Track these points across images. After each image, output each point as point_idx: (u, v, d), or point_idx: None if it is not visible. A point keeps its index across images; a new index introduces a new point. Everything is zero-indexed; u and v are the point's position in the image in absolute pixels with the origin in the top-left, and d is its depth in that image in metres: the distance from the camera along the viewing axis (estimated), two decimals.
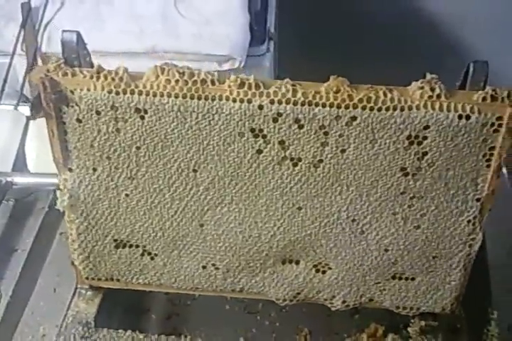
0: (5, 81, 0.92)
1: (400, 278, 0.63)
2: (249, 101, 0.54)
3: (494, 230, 0.67)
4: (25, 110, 0.93)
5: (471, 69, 0.52)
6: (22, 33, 0.93)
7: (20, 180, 0.84)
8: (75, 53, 0.56)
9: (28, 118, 0.91)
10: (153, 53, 0.86)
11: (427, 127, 0.53)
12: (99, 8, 0.90)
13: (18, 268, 0.78)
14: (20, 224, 0.85)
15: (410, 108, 0.52)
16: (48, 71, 0.55)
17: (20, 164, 0.89)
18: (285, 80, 0.54)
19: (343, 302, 0.65)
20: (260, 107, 0.54)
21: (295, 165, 0.57)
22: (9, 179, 0.83)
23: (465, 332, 0.67)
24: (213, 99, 0.54)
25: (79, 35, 0.56)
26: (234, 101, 0.54)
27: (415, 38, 1.28)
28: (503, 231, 0.74)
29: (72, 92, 0.55)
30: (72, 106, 0.56)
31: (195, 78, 0.54)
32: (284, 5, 1.01)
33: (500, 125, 0.52)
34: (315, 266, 0.64)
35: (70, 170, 0.60)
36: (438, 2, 1.27)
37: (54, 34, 0.92)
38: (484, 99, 0.52)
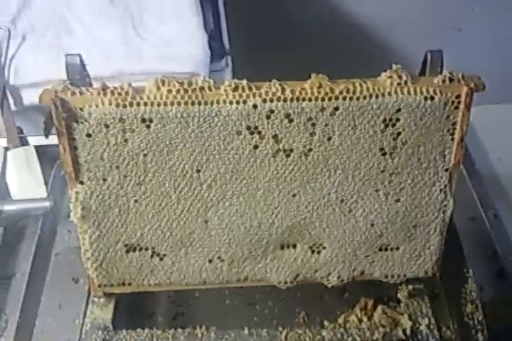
0: None
1: (386, 249, 0.71)
2: (244, 102, 0.61)
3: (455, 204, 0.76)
4: (1, 142, 0.97)
5: (429, 57, 0.62)
6: None
7: (7, 207, 0.88)
8: (79, 74, 0.62)
9: (6, 149, 0.95)
10: (120, 76, 0.92)
11: (398, 110, 0.62)
12: (61, 39, 0.96)
13: (20, 292, 0.82)
14: (13, 250, 0.88)
15: (383, 95, 0.61)
16: (56, 92, 0.61)
17: (3, 193, 0.92)
18: (273, 81, 0.61)
19: (338, 277, 0.73)
20: (254, 106, 0.61)
21: (288, 156, 0.64)
22: None
23: (443, 295, 0.76)
24: (212, 104, 0.61)
25: (81, 57, 0.62)
26: (230, 103, 0.61)
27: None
28: (464, 204, 0.84)
29: (81, 109, 0.61)
30: (82, 123, 0.61)
31: (194, 86, 0.61)
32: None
33: (459, 102, 0.62)
34: (310, 247, 0.71)
35: (81, 182, 0.65)
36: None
37: (20, 67, 0.96)
38: (444, 81, 0.61)
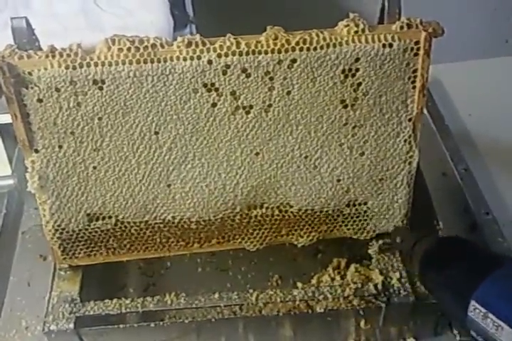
0: None
1: (354, 205, 0.70)
2: (199, 58, 0.59)
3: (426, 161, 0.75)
4: None
5: (386, 4, 0.61)
6: None
7: None
8: (26, 38, 0.60)
9: None
10: None
11: (357, 59, 0.60)
12: (18, 14, 0.92)
13: None
14: None
15: (341, 44, 0.60)
16: (3, 57, 0.58)
17: None
18: (228, 35, 0.60)
19: (307, 236, 0.72)
20: (209, 62, 0.59)
21: (248, 112, 0.63)
22: None
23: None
24: (165, 61, 0.59)
25: (27, 20, 0.60)
26: (184, 59, 0.59)
27: None
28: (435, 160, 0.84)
29: (30, 74, 0.59)
30: (32, 88, 0.59)
31: (146, 44, 0.59)
32: None
33: (418, 49, 0.61)
34: (277, 207, 0.70)
35: (36, 151, 0.63)
36: None
37: None
38: (402, 27, 0.60)
